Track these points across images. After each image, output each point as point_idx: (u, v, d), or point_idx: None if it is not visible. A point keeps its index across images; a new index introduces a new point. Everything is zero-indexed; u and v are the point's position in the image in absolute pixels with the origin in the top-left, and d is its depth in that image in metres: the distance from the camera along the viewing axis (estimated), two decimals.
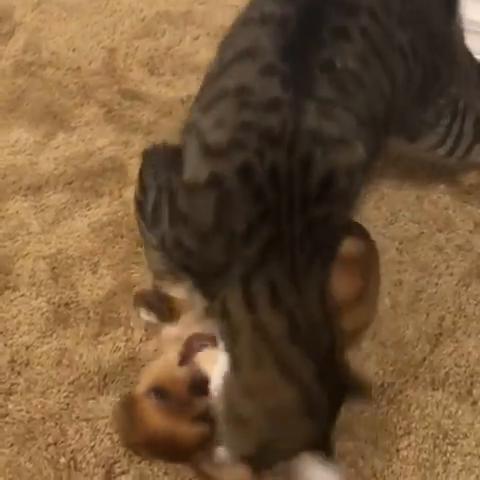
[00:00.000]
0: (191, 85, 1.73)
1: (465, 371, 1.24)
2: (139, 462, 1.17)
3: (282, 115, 0.94)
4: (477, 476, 1.16)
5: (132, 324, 1.33)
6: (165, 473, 1.16)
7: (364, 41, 1.01)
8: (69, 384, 1.26)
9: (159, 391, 1.05)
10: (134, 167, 1.56)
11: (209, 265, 1.00)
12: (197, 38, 1.81)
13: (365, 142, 0.99)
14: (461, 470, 1.16)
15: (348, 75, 0.99)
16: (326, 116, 0.96)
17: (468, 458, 1.17)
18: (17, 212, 1.51)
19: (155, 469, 1.16)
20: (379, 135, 1.06)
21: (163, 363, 1.10)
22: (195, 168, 1.01)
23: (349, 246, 1.11)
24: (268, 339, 0.96)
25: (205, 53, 1.79)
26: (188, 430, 1.03)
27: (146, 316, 1.26)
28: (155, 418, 1.04)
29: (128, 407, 1.07)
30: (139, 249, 1.44)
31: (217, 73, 1.06)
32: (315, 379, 0.97)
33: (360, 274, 1.18)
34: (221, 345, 1.00)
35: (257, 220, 0.95)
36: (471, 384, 1.23)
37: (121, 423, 1.09)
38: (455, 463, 1.17)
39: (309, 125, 0.94)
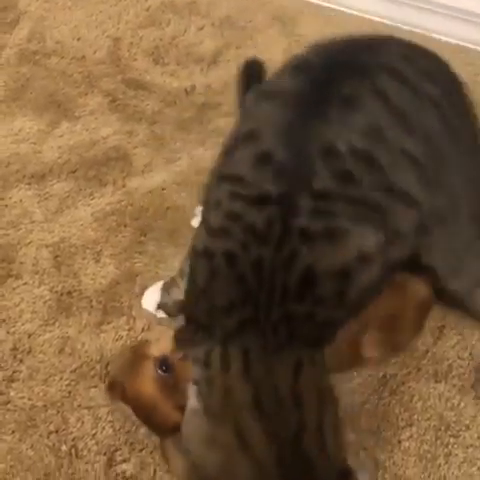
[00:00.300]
0: (195, 75, 1.73)
1: (468, 364, 1.24)
2: (140, 450, 1.17)
3: (268, 213, 0.89)
4: (479, 468, 1.16)
5: (134, 313, 1.32)
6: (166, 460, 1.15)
7: (379, 104, 0.93)
8: (71, 372, 1.26)
9: (165, 365, 1.05)
10: (138, 156, 1.57)
11: (199, 318, 1.00)
12: (202, 28, 1.81)
13: (380, 227, 0.92)
14: (463, 462, 1.16)
15: (354, 158, 0.90)
16: (320, 212, 0.89)
17: (470, 450, 1.17)
18: (20, 200, 1.51)
19: (156, 457, 1.16)
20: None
21: None
22: (198, 234, 1.02)
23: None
24: (233, 404, 0.95)
25: (210, 43, 1.78)
26: (168, 413, 1.03)
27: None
28: (149, 383, 1.05)
29: (136, 355, 1.08)
30: (142, 239, 1.44)
31: (227, 150, 1.00)
32: (274, 462, 0.93)
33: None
34: (196, 388, 0.99)
35: (237, 300, 0.94)
36: (475, 377, 1.22)
37: (122, 362, 1.10)
38: (457, 455, 1.17)
39: (299, 224, 0.88)
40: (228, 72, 1.73)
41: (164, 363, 1.05)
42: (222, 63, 1.76)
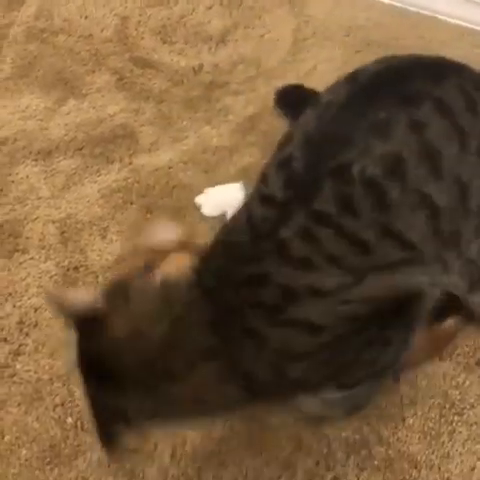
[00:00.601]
0: (203, 54, 1.73)
1: (474, 342, 1.23)
2: None
3: (267, 213, 0.90)
4: None
5: None
6: (165, 433, 1.16)
7: (412, 137, 0.88)
8: None
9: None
10: (145, 135, 1.57)
11: None
12: (210, 7, 1.80)
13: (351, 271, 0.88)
14: (467, 439, 1.16)
15: (363, 187, 0.86)
16: (307, 234, 0.87)
17: (474, 428, 1.17)
18: (27, 177, 1.51)
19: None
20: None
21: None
22: None
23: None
24: None
25: (218, 22, 1.78)
26: None
27: None
28: None
29: None
30: (148, 216, 1.44)
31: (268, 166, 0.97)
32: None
33: None
34: None
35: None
36: None
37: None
38: (461, 432, 1.17)
39: (283, 235, 0.88)
40: (236, 51, 1.73)
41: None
42: (230, 42, 1.75)
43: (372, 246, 0.88)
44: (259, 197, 0.93)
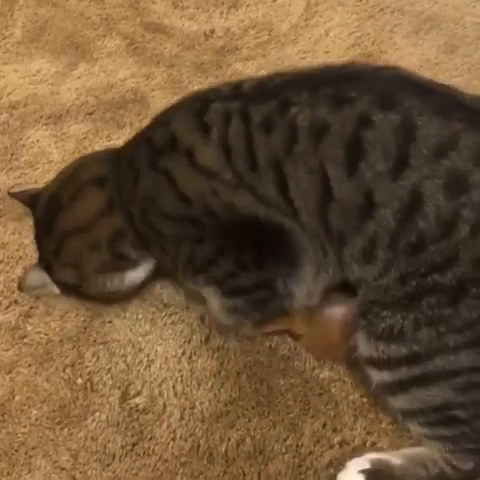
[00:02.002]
0: (215, 19, 1.71)
1: None
2: (150, 383, 1.19)
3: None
4: None
5: None
6: (174, 395, 1.17)
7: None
8: (86, 310, 1.27)
9: None
10: (155, 99, 1.56)
11: None
12: None
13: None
14: None
15: (287, 125, 0.93)
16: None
17: None
18: (38, 141, 1.51)
19: (165, 391, 1.18)
20: None
21: None
22: None
23: None
24: None
25: None
26: None
27: None
28: None
29: None
30: None
31: None
32: None
33: None
34: None
35: None
36: None
37: None
38: None
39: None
40: (248, 16, 1.72)
41: None
42: (242, 7, 1.74)
43: (262, 171, 0.94)
44: None
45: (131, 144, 1.14)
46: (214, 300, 1.12)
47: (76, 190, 1.14)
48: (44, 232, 1.18)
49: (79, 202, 1.14)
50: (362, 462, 1.05)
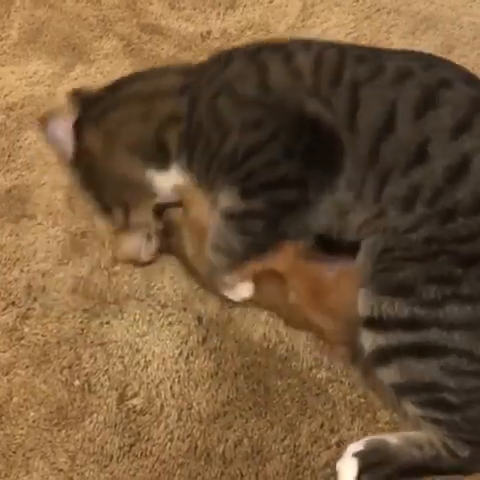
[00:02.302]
0: (211, 20, 1.71)
1: None
2: (148, 384, 1.19)
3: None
4: None
5: None
6: (172, 395, 1.17)
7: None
8: (84, 311, 1.27)
9: None
10: None
11: None
12: None
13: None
14: None
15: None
16: None
17: None
18: (35, 142, 1.51)
19: (162, 392, 1.18)
20: None
21: None
22: None
23: None
24: None
25: None
26: None
27: None
28: None
29: None
30: None
31: None
32: None
33: None
34: None
35: None
36: None
37: None
38: None
39: None
40: (245, 17, 1.71)
41: None
42: (239, 8, 1.74)
43: (341, 88, 1.05)
44: None
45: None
46: (228, 209, 1.10)
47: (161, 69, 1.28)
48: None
49: (158, 75, 1.22)
50: (356, 445, 1.05)
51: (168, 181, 1.18)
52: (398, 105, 1.01)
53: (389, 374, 1.00)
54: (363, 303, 1.00)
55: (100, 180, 1.19)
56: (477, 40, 1.61)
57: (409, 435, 1.05)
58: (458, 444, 1.01)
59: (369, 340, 1.00)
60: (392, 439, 1.04)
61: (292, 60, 1.10)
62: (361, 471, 1.02)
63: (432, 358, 0.97)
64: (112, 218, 1.24)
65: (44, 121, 1.21)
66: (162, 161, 1.16)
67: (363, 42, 1.63)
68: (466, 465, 1.02)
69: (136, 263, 1.26)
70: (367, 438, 1.06)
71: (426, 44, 1.62)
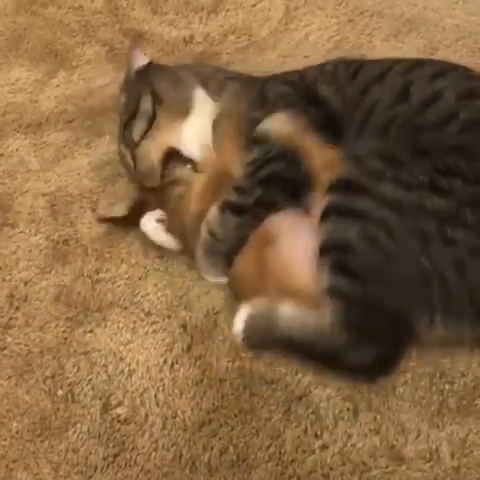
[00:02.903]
0: (194, 24, 1.71)
1: None
2: (132, 393, 1.17)
3: None
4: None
5: (132, 261, 1.32)
6: (156, 404, 1.16)
7: None
8: (67, 319, 1.26)
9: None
10: None
11: None
12: None
13: None
14: (457, 410, 1.15)
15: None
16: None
17: (464, 398, 1.16)
18: (17, 150, 1.50)
19: (147, 401, 1.16)
20: None
21: None
22: None
23: None
24: None
25: None
26: None
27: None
28: None
29: None
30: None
31: None
32: None
33: None
34: None
35: None
36: None
37: None
38: (451, 402, 1.16)
39: None
40: (227, 21, 1.71)
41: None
42: (222, 12, 1.74)
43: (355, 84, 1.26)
44: None
45: None
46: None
47: None
48: None
49: None
50: (250, 307, 1.14)
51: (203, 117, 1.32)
52: (394, 67, 1.23)
53: (321, 232, 1.10)
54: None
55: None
56: (460, 42, 1.61)
57: (303, 310, 1.10)
58: (342, 327, 1.07)
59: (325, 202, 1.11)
60: (286, 308, 1.11)
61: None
62: (244, 332, 1.13)
63: (354, 221, 1.06)
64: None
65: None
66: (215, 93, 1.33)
67: (346, 45, 1.63)
68: (339, 351, 1.08)
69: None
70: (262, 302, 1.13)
71: (409, 47, 1.62)
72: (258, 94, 1.30)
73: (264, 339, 1.14)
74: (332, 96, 1.24)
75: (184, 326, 1.24)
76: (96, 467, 1.12)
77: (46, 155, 1.49)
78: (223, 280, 1.24)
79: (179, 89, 1.34)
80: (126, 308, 1.26)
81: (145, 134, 1.31)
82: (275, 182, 1.19)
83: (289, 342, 1.12)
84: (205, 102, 1.33)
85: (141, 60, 1.39)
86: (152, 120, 1.31)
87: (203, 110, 1.33)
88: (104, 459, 1.12)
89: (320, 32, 1.66)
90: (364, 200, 1.07)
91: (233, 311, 1.21)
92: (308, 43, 1.64)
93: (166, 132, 1.31)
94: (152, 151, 1.31)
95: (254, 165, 1.21)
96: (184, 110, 1.32)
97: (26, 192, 1.43)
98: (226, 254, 1.21)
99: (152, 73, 1.37)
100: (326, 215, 1.10)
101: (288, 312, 1.11)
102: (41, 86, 1.60)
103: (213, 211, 1.21)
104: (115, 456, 1.12)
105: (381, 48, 1.62)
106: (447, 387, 1.16)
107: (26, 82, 1.61)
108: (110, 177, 1.45)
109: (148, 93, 1.32)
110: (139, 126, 1.31)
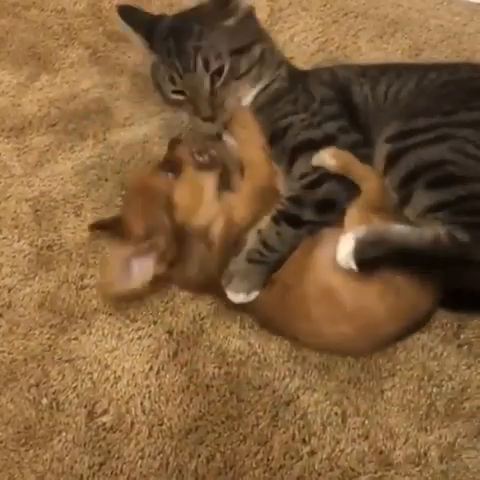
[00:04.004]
0: None
1: (452, 313, 1.22)
2: (117, 400, 1.16)
3: None
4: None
5: None
6: (142, 412, 1.15)
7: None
8: (51, 326, 1.25)
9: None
10: (119, 109, 1.54)
11: None
12: None
13: None
14: (445, 414, 1.15)
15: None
16: None
17: (452, 402, 1.16)
18: (0, 154, 1.48)
19: (133, 409, 1.15)
20: None
21: None
22: None
23: None
24: None
25: None
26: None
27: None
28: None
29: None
30: (123, 192, 1.42)
31: None
32: None
33: None
34: None
35: None
36: (458, 326, 1.21)
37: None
38: (439, 406, 1.16)
39: None
40: None
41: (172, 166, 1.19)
42: None
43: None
44: None
45: None
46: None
47: None
48: None
49: None
50: (361, 227, 1.09)
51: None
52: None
53: (400, 168, 1.12)
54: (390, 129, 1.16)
55: None
56: (445, 43, 1.61)
57: (414, 227, 1.09)
58: (459, 229, 1.06)
59: (384, 150, 1.14)
60: (398, 226, 1.09)
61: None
62: (355, 249, 1.07)
63: (441, 143, 1.11)
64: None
65: None
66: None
67: (331, 47, 1.62)
68: (465, 250, 1.06)
69: (131, 295, 1.18)
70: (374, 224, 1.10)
71: (394, 47, 1.61)
72: (302, 89, 1.29)
73: (377, 258, 1.09)
74: (364, 102, 1.26)
75: (170, 332, 1.22)
76: (82, 476, 1.10)
77: (29, 159, 1.47)
78: (253, 295, 1.16)
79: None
80: (111, 314, 1.25)
81: (244, 76, 1.26)
82: (331, 205, 1.16)
83: (406, 257, 1.09)
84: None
85: None
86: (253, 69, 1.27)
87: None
88: (90, 468, 1.11)
89: (305, 33, 1.65)
90: (443, 130, 1.12)
91: (219, 317, 1.21)
92: (293, 44, 1.63)
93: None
94: (240, 95, 1.27)
95: (308, 179, 1.19)
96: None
97: (9, 197, 1.41)
98: (274, 265, 1.16)
99: (261, 29, 1.33)
100: (400, 154, 1.13)
101: (401, 229, 1.09)
102: (24, 89, 1.59)
103: (266, 222, 1.17)
104: (101, 465, 1.11)
105: (366, 49, 1.61)
106: (435, 390, 1.16)
107: (8, 85, 1.59)
108: (94, 181, 1.43)
109: (261, 44, 1.28)
110: (245, 65, 1.25)
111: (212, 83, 1.23)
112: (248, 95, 1.29)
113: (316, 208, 1.16)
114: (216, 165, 1.23)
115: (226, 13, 1.25)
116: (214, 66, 1.22)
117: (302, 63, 1.57)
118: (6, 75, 1.61)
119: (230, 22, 1.25)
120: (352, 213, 1.13)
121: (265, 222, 1.17)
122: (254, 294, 1.16)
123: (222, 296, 1.18)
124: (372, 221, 1.11)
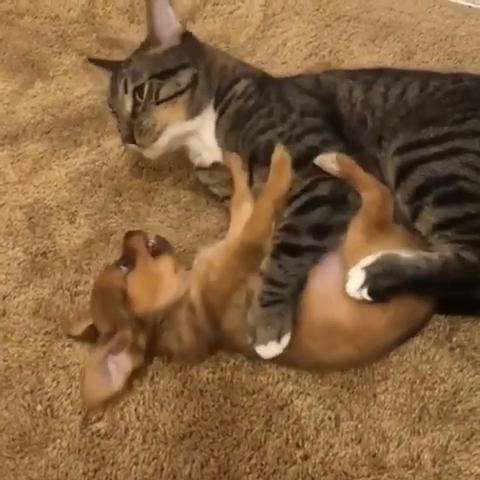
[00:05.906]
0: None
1: (445, 316, 1.23)
2: (112, 408, 1.16)
3: None
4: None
5: None
6: (136, 418, 1.15)
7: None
8: (46, 333, 1.25)
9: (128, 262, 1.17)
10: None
11: None
12: None
13: None
14: (438, 417, 1.15)
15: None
16: None
17: (445, 405, 1.16)
18: None
19: (127, 415, 1.16)
20: None
21: None
22: None
23: None
24: None
25: (186, 1, 1.75)
26: None
27: None
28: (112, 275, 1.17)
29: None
30: (117, 199, 1.43)
31: None
32: None
33: None
34: None
35: None
36: (450, 329, 1.21)
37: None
38: (432, 409, 1.16)
39: None
40: (205, 29, 1.71)
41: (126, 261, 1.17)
42: (199, 20, 1.73)
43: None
44: None
45: None
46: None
47: None
48: None
49: None
50: (368, 259, 1.09)
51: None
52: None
53: (411, 181, 1.12)
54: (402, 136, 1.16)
55: None
56: (437, 45, 1.61)
57: (421, 252, 1.09)
58: (469, 249, 1.07)
59: (394, 162, 1.15)
60: (404, 253, 1.09)
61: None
62: (367, 282, 1.07)
63: (453, 157, 1.11)
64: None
65: None
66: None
67: (323, 51, 1.63)
68: (475, 271, 1.07)
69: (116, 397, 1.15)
70: (381, 253, 1.09)
71: (386, 51, 1.62)
72: (276, 100, 1.26)
73: (390, 288, 1.08)
74: (352, 107, 1.24)
75: None
76: None
77: (23, 167, 1.47)
78: (286, 340, 1.10)
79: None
80: None
81: (166, 101, 1.24)
82: (326, 229, 1.14)
83: (418, 284, 1.09)
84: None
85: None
86: (179, 95, 1.25)
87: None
88: (84, 474, 1.11)
89: (298, 38, 1.66)
90: (454, 142, 1.12)
91: None
92: (286, 49, 1.64)
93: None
94: (161, 122, 1.25)
95: (296, 204, 1.16)
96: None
97: (3, 205, 1.42)
98: (291, 300, 1.11)
99: (200, 53, 1.31)
100: (412, 166, 1.13)
101: (410, 257, 1.08)
102: (18, 97, 1.59)
103: (266, 261, 1.13)
104: (95, 471, 1.11)
105: (359, 53, 1.62)
106: (427, 393, 1.16)
107: (2, 93, 1.60)
108: (88, 188, 1.44)
109: (191, 69, 1.27)
110: (166, 90, 1.24)
111: (134, 106, 1.24)
112: (182, 122, 1.27)
113: (312, 233, 1.13)
114: (166, 245, 1.22)
115: (153, 43, 1.28)
116: (130, 87, 1.24)
117: (295, 68, 1.58)
118: (0, 83, 1.62)
119: (157, 50, 1.28)
120: (354, 237, 1.13)
121: (265, 262, 1.13)
122: (286, 339, 1.10)
123: (241, 350, 1.18)
124: (375, 243, 1.11)
